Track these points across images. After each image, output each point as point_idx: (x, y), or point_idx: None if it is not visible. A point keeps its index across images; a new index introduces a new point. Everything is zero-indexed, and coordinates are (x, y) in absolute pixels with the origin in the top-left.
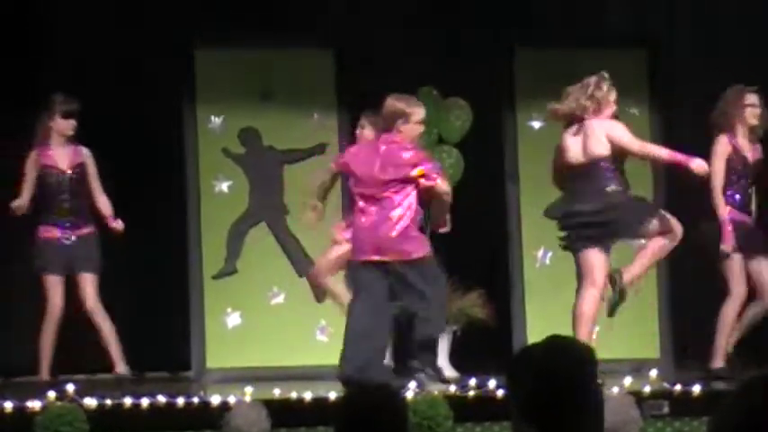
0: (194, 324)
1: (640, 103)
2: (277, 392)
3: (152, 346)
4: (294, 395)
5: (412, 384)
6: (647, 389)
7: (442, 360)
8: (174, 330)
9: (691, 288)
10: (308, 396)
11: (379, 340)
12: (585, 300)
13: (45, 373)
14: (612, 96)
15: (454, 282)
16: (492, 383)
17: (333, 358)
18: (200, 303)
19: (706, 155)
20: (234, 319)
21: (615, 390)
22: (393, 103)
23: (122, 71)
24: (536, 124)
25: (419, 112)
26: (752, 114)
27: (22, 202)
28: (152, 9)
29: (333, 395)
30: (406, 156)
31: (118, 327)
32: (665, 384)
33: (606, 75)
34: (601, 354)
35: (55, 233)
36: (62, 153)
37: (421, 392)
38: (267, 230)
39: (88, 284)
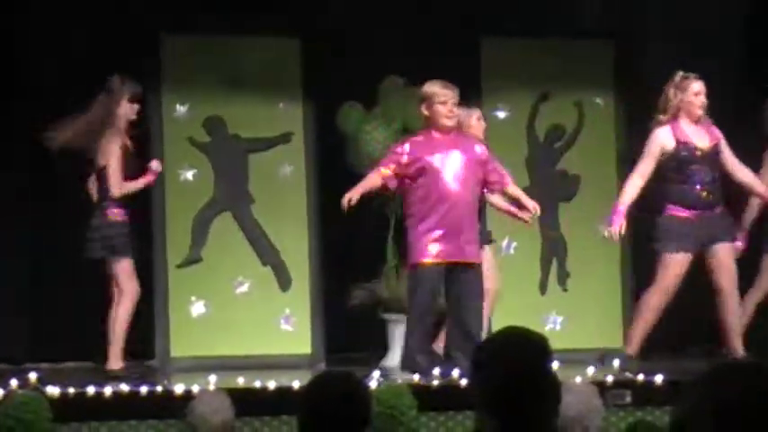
0: (158, 313)
1: (606, 93)
2: (241, 381)
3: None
4: (258, 384)
5: (375, 373)
6: (610, 378)
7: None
8: (138, 319)
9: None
10: (271, 385)
11: None
12: None
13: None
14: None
15: None
16: (455, 373)
17: (297, 347)
18: (164, 292)
19: None
20: (198, 308)
21: (578, 379)
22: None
23: (87, 56)
24: (501, 114)
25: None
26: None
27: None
28: None
29: (297, 384)
30: None
31: (82, 315)
32: (628, 374)
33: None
34: (566, 344)
35: (123, 216)
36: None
37: (384, 381)
38: (232, 219)
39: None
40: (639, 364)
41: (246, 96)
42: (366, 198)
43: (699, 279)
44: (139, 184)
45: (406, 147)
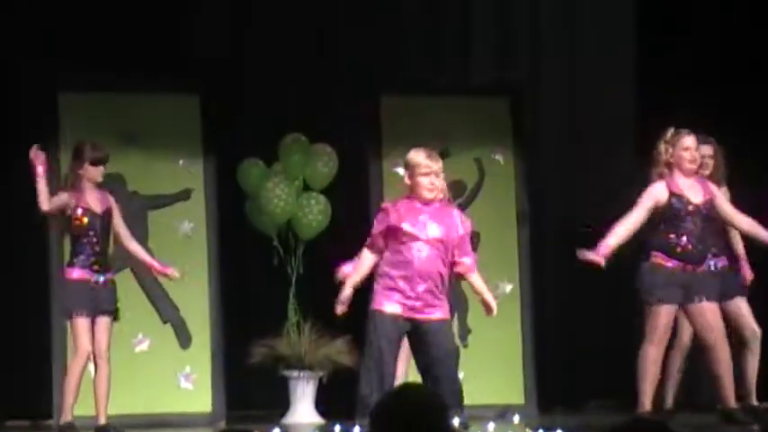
0: (57, 371)
1: (505, 150)
2: None
3: (13, 393)
4: None
5: (276, 431)
6: None
7: (308, 406)
8: (35, 377)
9: (554, 334)
10: None
11: None
12: None
13: (69, 415)
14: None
15: (320, 328)
16: (356, 430)
17: (197, 405)
18: (63, 349)
19: (568, 199)
20: None
21: None
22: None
23: None
24: (402, 170)
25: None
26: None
27: None
28: (16, 50)
29: None
30: None
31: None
32: (528, 430)
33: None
34: (467, 400)
35: (84, 275)
36: (93, 198)
37: None
38: (132, 276)
39: (105, 328)
40: (540, 420)
41: (146, 153)
42: (267, 255)
43: (611, 329)
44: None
45: (392, 213)
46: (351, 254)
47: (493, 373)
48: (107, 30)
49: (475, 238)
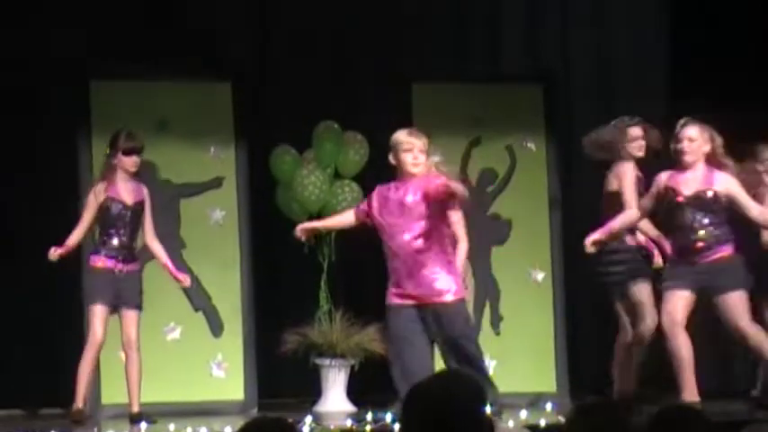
0: None
1: (537, 138)
2: (172, 428)
3: (46, 381)
4: (190, 431)
5: (308, 418)
6: (543, 423)
7: (340, 394)
8: (68, 365)
9: (587, 322)
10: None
11: None
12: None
13: (80, 402)
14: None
15: (351, 316)
16: (388, 417)
17: (229, 393)
18: None
19: (600, 186)
20: None
21: (511, 423)
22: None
23: (16, 101)
24: (434, 158)
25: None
26: (637, 147)
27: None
28: (48, 37)
29: (229, 430)
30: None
31: (12, 361)
32: (561, 418)
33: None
34: (499, 388)
35: (109, 264)
36: (125, 188)
37: (317, 427)
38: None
39: (133, 321)
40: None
41: (177, 141)
42: (299, 243)
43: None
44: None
45: (373, 198)
46: (382, 241)
47: (525, 361)
48: (138, 17)
49: (507, 226)
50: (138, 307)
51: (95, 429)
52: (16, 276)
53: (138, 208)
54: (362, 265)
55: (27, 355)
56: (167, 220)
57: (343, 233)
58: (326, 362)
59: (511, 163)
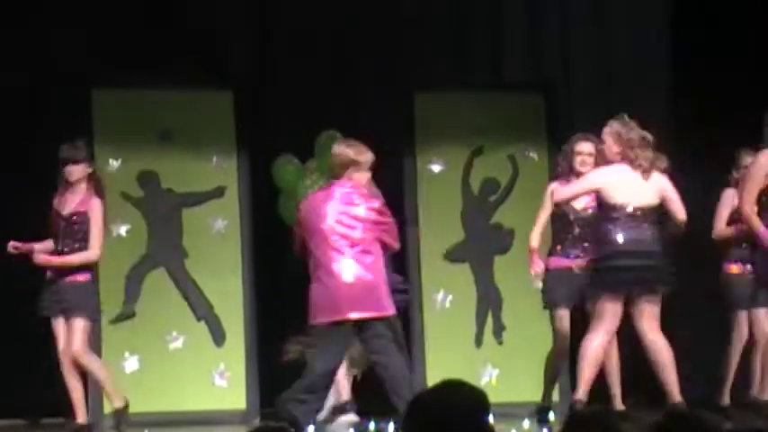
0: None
1: (539, 147)
2: None
3: (47, 390)
4: None
5: (310, 427)
6: None
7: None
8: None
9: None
10: None
11: None
12: None
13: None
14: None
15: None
16: (391, 428)
17: (231, 402)
18: (98, 347)
19: None
20: (132, 364)
21: None
22: (343, 150)
23: (17, 110)
24: (435, 168)
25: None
26: (580, 161)
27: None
28: (49, 46)
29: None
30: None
31: (15, 371)
32: None
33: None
34: (501, 397)
35: (49, 275)
36: (65, 198)
37: None
38: (166, 274)
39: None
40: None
41: (179, 151)
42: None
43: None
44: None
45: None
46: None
47: (527, 370)
48: (140, 27)
49: (510, 235)
50: (81, 315)
51: None
52: (15, 281)
53: (77, 218)
54: None
55: (27, 365)
56: (169, 230)
57: None
58: None
59: (513, 172)
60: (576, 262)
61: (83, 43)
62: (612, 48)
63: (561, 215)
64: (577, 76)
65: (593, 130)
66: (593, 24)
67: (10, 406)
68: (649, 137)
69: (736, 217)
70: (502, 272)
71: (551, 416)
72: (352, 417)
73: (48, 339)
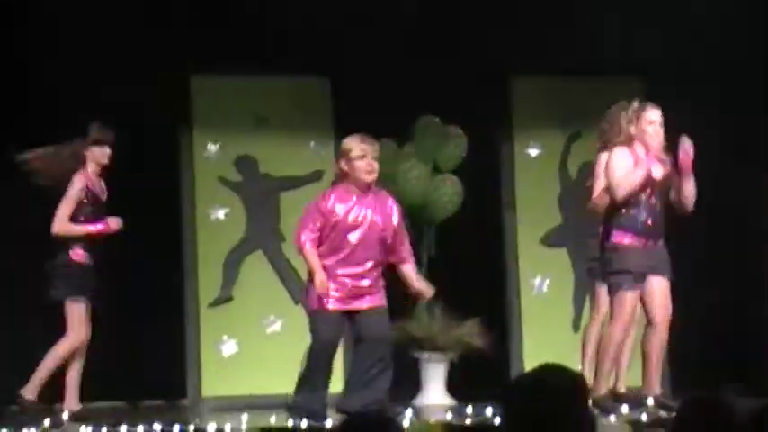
0: (190, 352)
1: None
2: (273, 420)
3: (148, 374)
4: (291, 423)
5: (408, 411)
6: (645, 417)
7: (439, 387)
8: (170, 358)
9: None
10: (303, 424)
11: None
12: None
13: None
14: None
15: (451, 310)
16: (488, 411)
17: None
18: (196, 331)
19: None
20: (230, 347)
21: (612, 418)
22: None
23: (118, 97)
24: (533, 152)
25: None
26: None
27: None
28: (148, 34)
29: (329, 423)
30: None
31: (115, 354)
32: (662, 413)
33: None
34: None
35: (87, 259)
36: (97, 182)
37: (416, 419)
38: (263, 258)
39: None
40: (675, 403)
41: (277, 135)
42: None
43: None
44: (84, 230)
45: (330, 201)
46: (481, 235)
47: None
48: (239, 12)
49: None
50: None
51: (197, 421)
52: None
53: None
54: (462, 260)
55: (129, 350)
56: (267, 214)
57: (445, 227)
58: (426, 355)
59: None
60: None
61: (183, 31)
62: (706, 31)
63: None
64: (679, 62)
65: (689, 113)
66: (688, 6)
67: (112, 388)
68: None
69: None
70: None
71: (650, 401)
72: (449, 400)
73: (144, 320)
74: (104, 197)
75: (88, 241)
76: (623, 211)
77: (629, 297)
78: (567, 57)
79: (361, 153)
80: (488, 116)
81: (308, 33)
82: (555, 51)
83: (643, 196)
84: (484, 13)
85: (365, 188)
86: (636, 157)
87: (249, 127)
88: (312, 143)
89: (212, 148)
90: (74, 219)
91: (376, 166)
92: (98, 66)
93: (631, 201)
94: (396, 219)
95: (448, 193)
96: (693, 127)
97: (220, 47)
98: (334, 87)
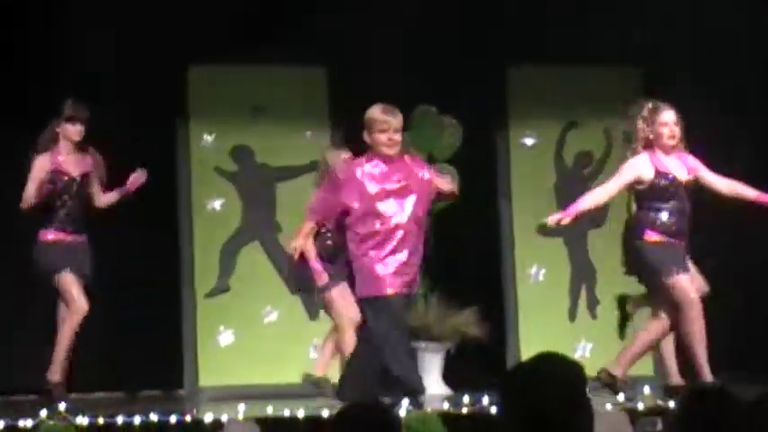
0: (187, 342)
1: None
2: (270, 410)
3: (145, 364)
4: (287, 413)
5: (404, 401)
6: (641, 406)
7: (436, 377)
8: (166, 348)
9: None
10: (300, 414)
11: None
12: None
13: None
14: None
15: (447, 300)
16: (485, 400)
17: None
18: (192, 321)
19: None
20: (227, 338)
21: (609, 407)
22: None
23: (114, 87)
24: (528, 141)
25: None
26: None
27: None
28: (144, 25)
29: (326, 413)
30: None
31: (112, 345)
32: (659, 401)
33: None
34: (595, 372)
35: (60, 236)
36: (70, 159)
37: (413, 409)
38: (260, 248)
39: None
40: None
41: (273, 125)
42: None
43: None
44: (116, 196)
45: (358, 173)
46: (477, 224)
47: (621, 343)
48: (235, 2)
49: (604, 209)
50: (85, 277)
51: (194, 411)
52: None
53: (85, 180)
54: (459, 249)
55: (126, 340)
56: (264, 204)
57: (441, 216)
58: (422, 345)
59: (607, 146)
60: None
61: (179, 21)
62: (709, 21)
63: None
64: (677, 53)
65: (689, 102)
66: None
67: (109, 378)
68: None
69: None
70: (596, 246)
71: (646, 390)
72: (446, 390)
73: (141, 311)
74: (93, 169)
75: (62, 220)
76: (651, 213)
77: (683, 279)
78: (562, 46)
79: (384, 126)
80: (484, 106)
81: (304, 23)
82: (550, 40)
83: (671, 199)
84: (480, 2)
85: (390, 159)
86: (656, 162)
87: (245, 117)
88: (308, 133)
89: (208, 138)
90: (51, 201)
91: (398, 137)
92: (95, 58)
93: (657, 204)
94: (428, 175)
95: None
96: (691, 115)
97: (217, 37)
98: (331, 77)
